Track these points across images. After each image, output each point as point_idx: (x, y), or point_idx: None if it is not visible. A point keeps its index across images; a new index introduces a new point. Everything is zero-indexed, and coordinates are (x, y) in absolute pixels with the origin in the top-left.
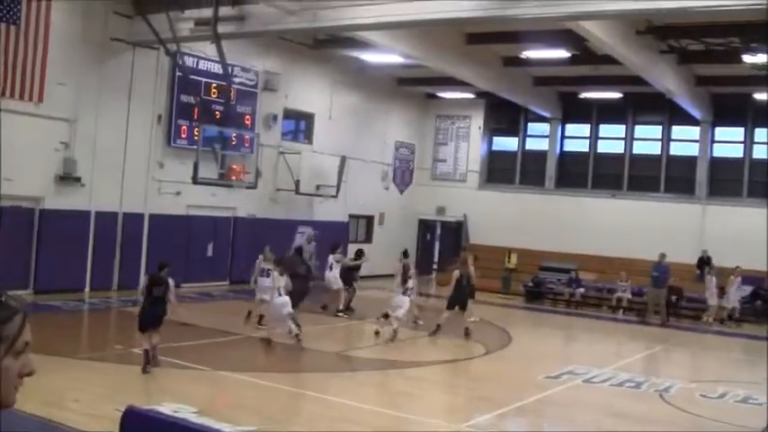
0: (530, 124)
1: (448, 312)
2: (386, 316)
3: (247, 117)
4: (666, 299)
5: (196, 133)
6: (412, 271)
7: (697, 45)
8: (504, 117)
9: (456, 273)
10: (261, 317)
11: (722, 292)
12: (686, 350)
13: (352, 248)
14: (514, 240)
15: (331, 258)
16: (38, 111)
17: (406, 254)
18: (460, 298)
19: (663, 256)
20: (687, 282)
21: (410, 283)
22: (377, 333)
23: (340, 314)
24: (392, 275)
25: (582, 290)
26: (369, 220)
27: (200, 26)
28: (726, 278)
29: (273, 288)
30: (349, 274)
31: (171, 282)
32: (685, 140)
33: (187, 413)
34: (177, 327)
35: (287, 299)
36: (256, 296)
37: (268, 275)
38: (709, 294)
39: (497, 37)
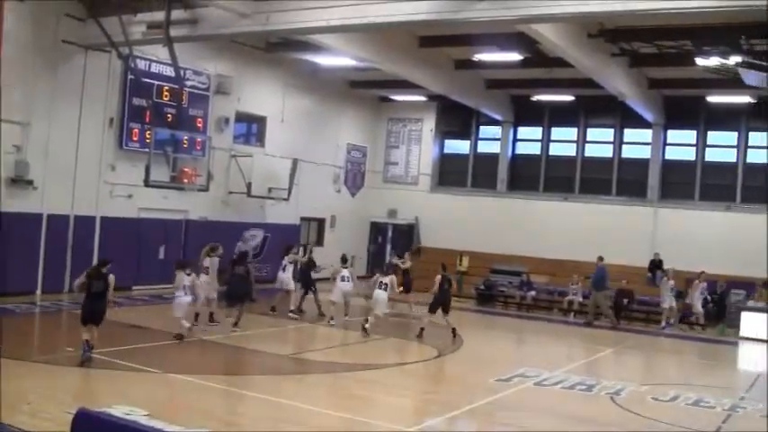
0: (482, 127)
1: (430, 315)
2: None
3: (199, 120)
4: (617, 302)
5: (148, 136)
6: (343, 273)
7: (649, 48)
8: (456, 120)
9: (438, 277)
10: (211, 314)
11: (680, 294)
12: (638, 353)
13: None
14: (466, 243)
15: (285, 260)
16: None
17: (343, 259)
18: (443, 300)
19: (600, 258)
20: (638, 284)
21: (386, 279)
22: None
23: (291, 315)
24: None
25: (533, 293)
26: (320, 222)
27: (153, 29)
28: (682, 282)
29: (179, 287)
30: (308, 277)
31: (111, 277)
32: (637, 143)
33: (138, 416)
34: (128, 329)
35: (188, 299)
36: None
37: (207, 273)
38: (665, 297)
39: (449, 40)
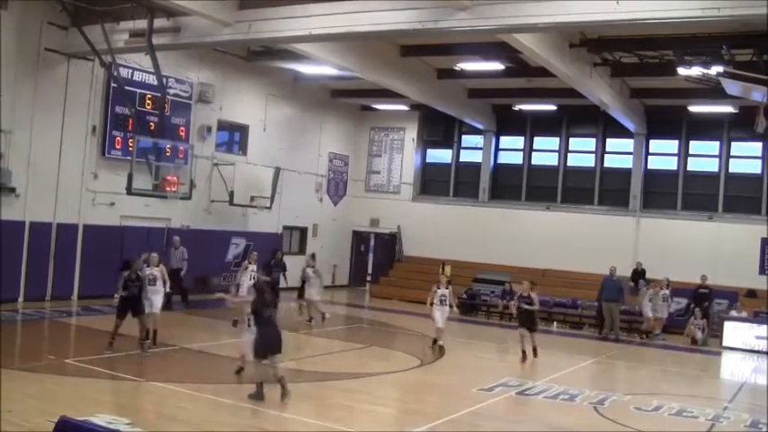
0: (464, 136)
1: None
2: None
3: (182, 128)
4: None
5: (130, 144)
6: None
7: (631, 58)
8: (439, 129)
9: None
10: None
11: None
12: (621, 363)
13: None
14: (448, 252)
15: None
16: None
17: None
18: (521, 319)
19: (613, 269)
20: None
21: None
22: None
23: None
24: (324, 287)
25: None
26: (303, 231)
27: (135, 37)
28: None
29: None
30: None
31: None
32: (620, 153)
33: (120, 424)
34: (110, 337)
35: None
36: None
37: (153, 283)
38: (644, 306)
39: (431, 49)
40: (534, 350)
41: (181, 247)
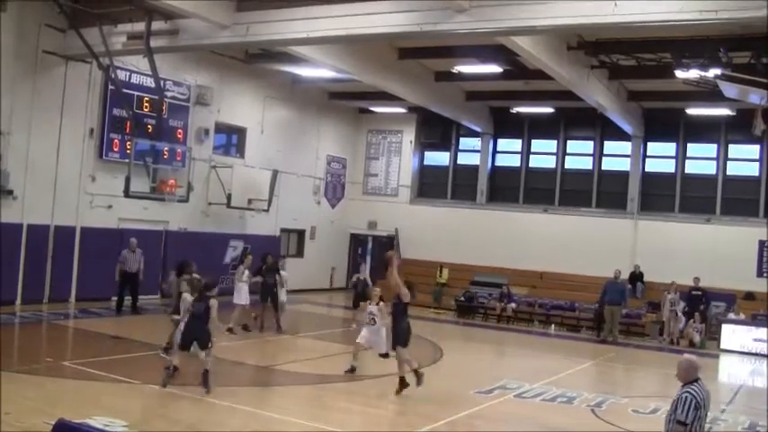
0: (462, 139)
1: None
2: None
3: (179, 131)
4: (602, 314)
5: (128, 147)
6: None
7: (628, 60)
8: (436, 132)
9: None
10: None
11: (653, 306)
12: (619, 366)
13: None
14: (446, 255)
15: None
16: None
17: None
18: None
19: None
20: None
21: None
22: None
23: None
24: (322, 289)
25: (513, 304)
26: (300, 234)
27: (133, 40)
28: (658, 294)
29: None
30: (268, 290)
31: (213, 302)
32: (617, 155)
33: (117, 427)
34: (108, 340)
35: None
36: None
37: None
38: (666, 314)
39: (429, 52)
40: (418, 377)
41: (137, 249)
